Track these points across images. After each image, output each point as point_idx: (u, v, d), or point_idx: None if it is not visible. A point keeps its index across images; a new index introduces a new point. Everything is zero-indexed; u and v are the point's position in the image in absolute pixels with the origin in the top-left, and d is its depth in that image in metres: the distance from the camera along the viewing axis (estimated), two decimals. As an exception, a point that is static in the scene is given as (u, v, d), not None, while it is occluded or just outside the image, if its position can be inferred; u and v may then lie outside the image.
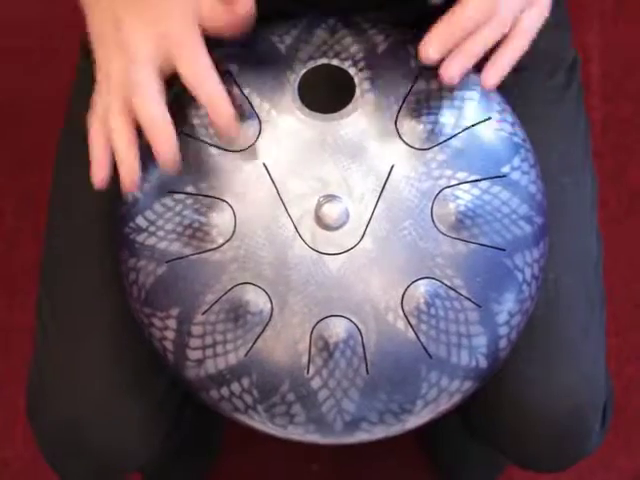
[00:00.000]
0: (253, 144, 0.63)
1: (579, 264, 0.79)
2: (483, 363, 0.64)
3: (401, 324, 0.61)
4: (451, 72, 0.63)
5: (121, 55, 0.64)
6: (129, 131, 0.63)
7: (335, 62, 0.65)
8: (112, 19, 0.64)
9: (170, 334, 0.64)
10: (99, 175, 0.64)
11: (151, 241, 0.64)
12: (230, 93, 0.64)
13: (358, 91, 0.64)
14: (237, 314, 0.61)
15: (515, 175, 0.65)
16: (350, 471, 1.28)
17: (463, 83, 0.65)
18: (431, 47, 0.63)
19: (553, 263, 0.75)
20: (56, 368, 0.77)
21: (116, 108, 0.64)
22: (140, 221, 0.65)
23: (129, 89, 0.63)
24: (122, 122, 0.63)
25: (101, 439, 0.77)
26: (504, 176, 0.64)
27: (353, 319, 0.61)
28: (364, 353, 0.61)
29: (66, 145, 0.84)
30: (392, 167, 0.62)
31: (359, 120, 0.63)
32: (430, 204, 0.62)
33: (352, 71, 0.64)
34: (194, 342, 0.63)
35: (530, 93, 0.80)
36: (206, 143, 0.63)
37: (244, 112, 0.63)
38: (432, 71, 0.64)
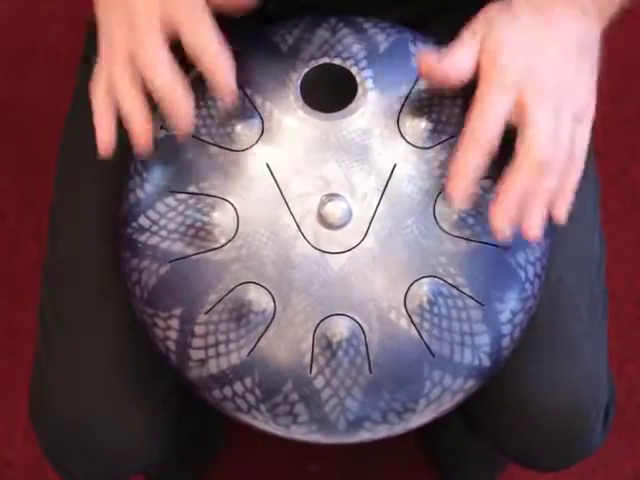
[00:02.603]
0: (255, 143, 0.63)
1: (582, 263, 0.79)
2: (486, 362, 0.64)
3: (404, 323, 0.61)
4: (536, 232, 0.62)
5: (126, 22, 0.63)
6: (139, 95, 0.62)
7: (337, 61, 0.65)
8: None
9: (173, 334, 0.64)
10: (105, 138, 0.63)
11: (153, 241, 0.64)
12: None
13: (360, 90, 0.64)
14: (240, 313, 0.61)
15: (517, 174, 0.65)
16: (350, 471, 1.28)
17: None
18: (499, 221, 0.60)
19: (556, 262, 0.75)
20: (58, 370, 0.77)
21: (123, 75, 0.62)
22: (142, 221, 0.65)
23: (136, 55, 0.62)
24: (131, 87, 0.62)
25: (104, 441, 0.77)
26: (506, 175, 0.64)
27: (356, 318, 0.61)
28: (367, 352, 0.61)
29: (68, 147, 0.84)
30: (394, 166, 0.62)
31: (361, 119, 0.63)
32: (432, 202, 0.62)
33: (354, 70, 0.64)
34: (197, 342, 0.63)
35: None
36: (208, 143, 0.63)
37: (246, 112, 0.63)
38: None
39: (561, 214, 0.63)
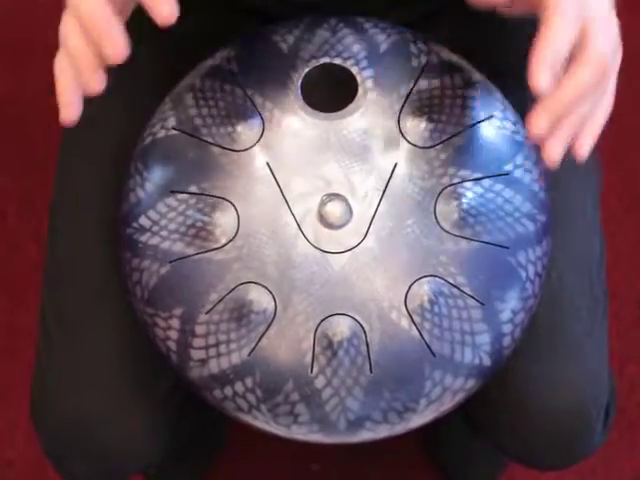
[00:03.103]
0: (256, 143, 0.63)
1: (582, 263, 0.79)
2: (487, 361, 0.64)
3: (405, 322, 0.61)
4: (556, 156, 0.60)
5: None
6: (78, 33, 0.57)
7: (337, 61, 0.65)
8: None
9: (173, 334, 0.64)
10: (68, 114, 0.58)
11: (154, 241, 0.64)
12: (233, 93, 0.64)
13: (360, 90, 0.64)
14: (241, 313, 0.61)
15: (518, 173, 0.65)
16: (351, 471, 1.28)
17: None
18: (541, 121, 0.58)
19: (556, 262, 0.75)
20: (59, 370, 0.77)
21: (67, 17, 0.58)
22: (143, 221, 0.65)
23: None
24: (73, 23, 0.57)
25: (104, 441, 0.77)
26: (507, 174, 0.64)
27: (357, 318, 0.61)
28: (368, 352, 0.61)
29: (68, 146, 0.84)
30: (395, 165, 0.62)
31: (362, 119, 0.63)
32: (433, 202, 0.62)
33: (354, 70, 0.64)
34: (197, 342, 0.63)
35: (530, 93, 0.80)
36: (209, 143, 0.63)
37: (247, 111, 0.63)
38: (433, 71, 0.64)
39: (581, 150, 0.62)
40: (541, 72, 0.56)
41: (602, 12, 0.61)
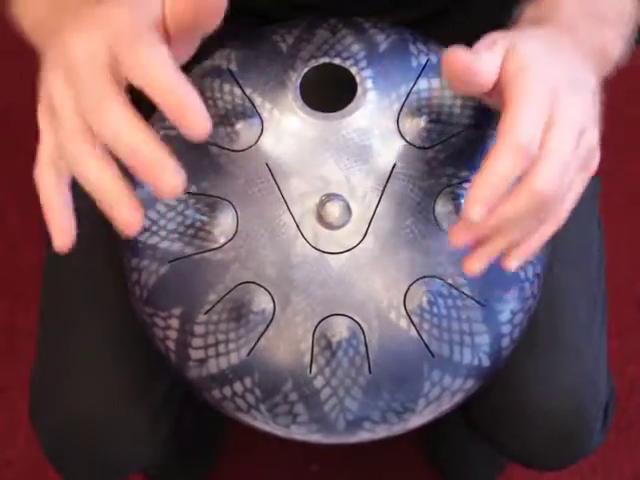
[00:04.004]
0: (255, 143, 0.63)
1: (581, 264, 0.79)
2: (486, 362, 0.64)
3: (404, 323, 0.61)
4: (474, 270, 0.57)
5: (64, 75, 0.51)
6: (107, 164, 0.50)
7: (337, 61, 0.65)
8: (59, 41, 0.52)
9: (172, 334, 0.64)
10: (61, 239, 0.52)
11: (153, 241, 0.64)
12: (232, 92, 0.64)
13: (360, 90, 0.64)
14: (239, 313, 0.61)
15: (517, 174, 0.65)
16: (350, 471, 1.29)
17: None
18: (461, 238, 0.55)
19: (555, 262, 0.75)
20: (58, 369, 0.77)
21: (70, 132, 0.50)
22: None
23: (83, 101, 0.49)
24: (85, 149, 0.49)
25: (103, 440, 0.77)
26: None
27: (356, 318, 0.61)
28: (367, 352, 0.61)
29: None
30: (394, 166, 0.62)
31: (361, 119, 0.63)
32: (432, 202, 0.62)
33: (354, 70, 0.64)
34: (196, 342, 0.63)
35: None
36: (208, 143, 0.63)
37: (246, 111, 0.63)
38: (433, 71, 0.64)
39: (509, 263, 0.59)
40: (475, 207, 0.53)
41: (572, 123, 0.55)
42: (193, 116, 0.47)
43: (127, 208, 0.49)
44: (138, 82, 0.48)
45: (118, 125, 0.48)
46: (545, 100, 0.54)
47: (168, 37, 0.53)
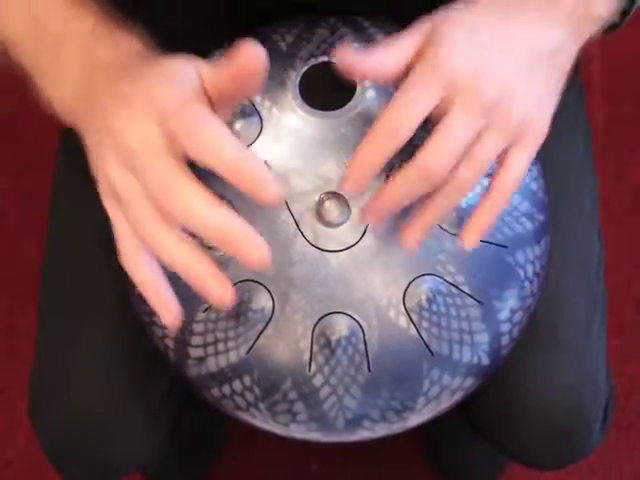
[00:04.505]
0: (254, 141, 0.63)
1: (580, 263, 0.79)
2: (485, 360, 0.64)
3: (403, 321, 0.61)
4: (410, 243, 0.58)
5: (123, 163, 0.51)
6: (191, 245, 0.51)
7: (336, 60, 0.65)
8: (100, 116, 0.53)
9: (171, 332, 0.64)
10: (170, 316, 0.52)
11: (152, 239, 0.64)
12: None
13: (359, 89, 0.64)
14: (239, 311, 0.61)
15: (516, 172, 0.65)
16: (350, 471, 1.28)
17: None
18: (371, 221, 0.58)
19: (554, 262, 0.75)
20: (57, 369, 0.77)
21: (144, 218, 0.51)
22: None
23: (151, 189, 0.50)
24: (164, 228, 0.50)
25: (102, 440, 0.77)
26: (505, 173, 0.64)
27: (355, 316, 0.61)
28: (366, 350, 0.61)
29: (67, 150, 0.84)
30: (393, 164, 0.62)
31: (360, 118, 0.63)
32: (431, 201, 0.62)
33: (353, 69, 0.64)
34: (195, 340, 0.63)
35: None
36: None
37: (245, 110, 0.63)
38: None
39: (467, 240, 0.58)
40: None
41: (475, 102, 0.55)
42: (264, 184, 0.49)
43: (217, 283, 0.51)
44: (207, 163, 0.50)
45: (194, 205, 0.49)
46: (432, 87, 0.54)
47: (211, 104, 0.53)
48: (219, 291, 0.51)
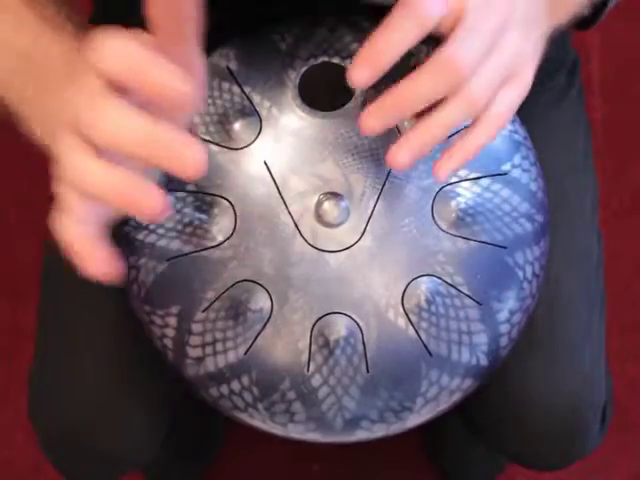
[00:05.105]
0: (253, 142, 0.63)
1: (580, 264, 0.79)
2: (484, 361, 0.64)
3: (402, 322, 0.61)
4: (401, 161, 0.52)
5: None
6: (104, 163, 0.47)
7: (336, 60, 0.65)
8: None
9: (170, 332, 0.64)
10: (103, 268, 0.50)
11: (151, 239, 0.64)
12: (231, 91, 0.64)
13: (359, 89, 0.64)
14: (237, 312, 0.61)
15: (516, 173, 0.65)
16: (350, 471, 1.28)
17: None
18: (370, 124, 0.52)
19: (554, 263, 0.75)
20: (57, 369, 0.77)
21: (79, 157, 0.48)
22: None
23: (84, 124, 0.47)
24: (86, 158, 0.47)
25: (102, 440, 0.77)
26: (505, 174, 0.64)
27: (354, 316, 0.61)
28: (364, 351, 0.61)
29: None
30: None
31: (359, 118, 0.63)
32: (431, 201, 0.62)
33: (352, 69, 0.64)
34: (194, 340, 0.63)
35: (530, 94, 0.80)
36: (207, 141, 0.63)
37: (245, 110, 0.63)
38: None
39: (440, 169, 0.54)
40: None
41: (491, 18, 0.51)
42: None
43: (146, 193, 0.45)
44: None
45: (118, 117, 0.45)
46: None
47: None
48: (150, 201, 0.45)
